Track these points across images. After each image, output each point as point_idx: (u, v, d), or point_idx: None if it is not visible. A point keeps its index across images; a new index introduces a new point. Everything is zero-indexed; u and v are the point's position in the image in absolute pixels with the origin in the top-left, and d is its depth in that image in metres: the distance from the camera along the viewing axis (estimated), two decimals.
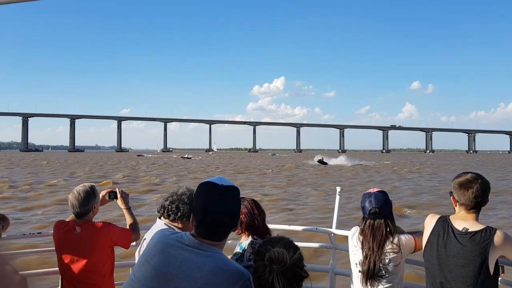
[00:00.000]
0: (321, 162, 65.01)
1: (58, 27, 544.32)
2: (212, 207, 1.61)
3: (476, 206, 2.45)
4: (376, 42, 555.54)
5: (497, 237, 2.33)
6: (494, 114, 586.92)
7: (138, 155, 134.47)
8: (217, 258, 1.58)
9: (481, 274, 2.32)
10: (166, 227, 2.52)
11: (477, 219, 2.47)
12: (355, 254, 2.82)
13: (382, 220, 2.72)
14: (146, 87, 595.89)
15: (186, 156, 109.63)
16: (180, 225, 2.58)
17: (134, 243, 3.20)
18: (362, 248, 2.75)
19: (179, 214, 2.57)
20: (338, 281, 3.65)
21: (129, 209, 3.26)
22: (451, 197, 2.55)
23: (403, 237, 2.72)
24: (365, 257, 2.71)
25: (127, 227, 3.20)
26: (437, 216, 2.60)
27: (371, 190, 2.82)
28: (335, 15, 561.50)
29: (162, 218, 2.63)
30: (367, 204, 2.74)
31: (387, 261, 2.67)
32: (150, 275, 1.58)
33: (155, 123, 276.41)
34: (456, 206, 2.53)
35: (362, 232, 2.79)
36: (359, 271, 2.76)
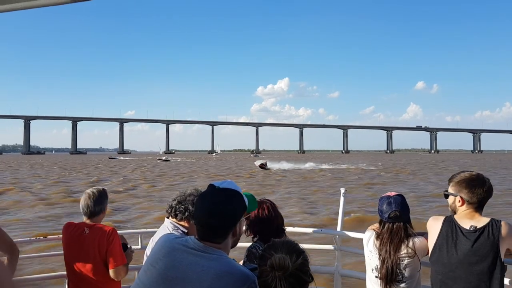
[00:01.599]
0: (262, 166, 54.40)
1: (61, 29, 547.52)
2: (202, 208, 1.64)
3: (483, 204, 2.47)
4: (380, 42, 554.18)
5: (504, 229, 2.35)
6: (499, 114, 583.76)
7: (109, 158, 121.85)
8: (222, 261, 1.57)
9: (496, 267, 2.32)
10: (172, 225, 2.62)
11: (481, 215, 2.47)
12: (371, 259, 2.77)
13: (401, 223, 2.67)
14: (151, 89, 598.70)
15: (164, 158, 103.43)
16: (186, 224, 2.64)
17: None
18: (379, 253, 2.69)
19: (186, 214, 2.63)
20: (343, 282, 3.62)
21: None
22: (457, 197, 2.50)
23: (417, 240, 2.67)
24: (382, 261, 2.67)
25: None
26: (441, 218, 2.56)
27: (389, 193, 2.77)
28: (340, 16, 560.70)
29: (170, 217, 2.70)
30: (385, 207, 2.69)
31: (403, 265, 2.63)
32: (155, 279, 1.58)
33: (160, 125, 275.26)
34: (462, 205, 2.48)
35: (379, 236, 2.74)
36: (376, 277, 2.72)
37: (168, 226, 2.65)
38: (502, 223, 2.37)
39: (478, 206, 2.46)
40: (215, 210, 1.61)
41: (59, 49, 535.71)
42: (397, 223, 2.67)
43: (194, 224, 1.70)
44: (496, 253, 2.32)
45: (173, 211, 2.68)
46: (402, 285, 2.64)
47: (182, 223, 2.66)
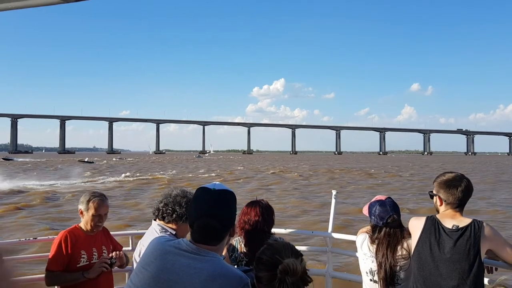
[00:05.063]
0: None
1: (52, 28, 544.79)
2: (201, 211, 1.62)
3: (462, 204, 2.52)
4: (376, 44, 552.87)
5: (486, 230, 2.41)
6: (493, 116, 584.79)
7: (3, 159, 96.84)
8: (215, 263, 1.56)
9: (476, 267, 2.37)
10: (160, 228, 2.57)
11: (462, 215, 2.52)
12: (365, 262, 2.78)
13: (398, 228, 2.69)
14: (147, 90, 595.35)
15: (86, 160, 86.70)
16: (174, 226, 2.60)
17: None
18: (376, 257, 2.69)
19: (174, 215, 2.58)
20: (334, 285, 3.64)
21: (105, 266, 2.99)
22: (436, 197, 2.57)
23: (410, 242, 2.66)
24: (380, 265, 2.66)
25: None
26: (423, 217, 2.60)
27: (381, 198, 2.77)
28: (335, 17, 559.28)
29: (157, 220, 2.65)
30: (381, 212, 2.68)
31: (398, 268, 2.65)
32: (147, 282, 1.57)
33: (154, 124, 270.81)
34: (441, 205, 2.55)
35: (375, 240, 2.73)
36: (370, 280, 2.74)
37: (156, 229, 2.57)
38: (484, 224, 2.43)
39: (457, 206, 2.50)
40: (215, 212, 1.61)
41: (50, 47, 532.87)
42: (395, 227, 2.68)
43: (189, 226, 1.68)
44: (477, 253, 2.37)
45: (160, 213, 2.61)
46: (398, 287, 2.64)
47: (170, 225, 2.60)
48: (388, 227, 2.67)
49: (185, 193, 2.64)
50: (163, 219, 2.61)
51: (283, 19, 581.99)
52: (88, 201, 2.99)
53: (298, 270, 1.58)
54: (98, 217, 3.00)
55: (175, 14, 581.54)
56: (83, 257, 2.97)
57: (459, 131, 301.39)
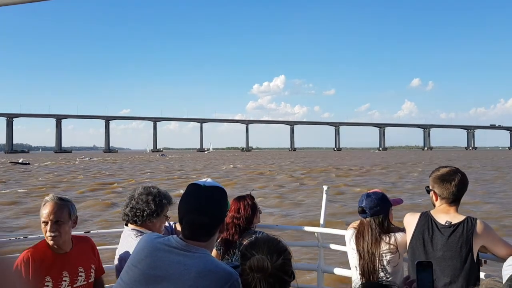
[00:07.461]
0: None
1: (47, 26, 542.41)
2: (190, 207, 1.63)
3: (457, 198, 2.51)
4: (376, 39, 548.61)
5: (479, 227, 2.40)
6: (493, 110, 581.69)
7: None
8: (205, 259, 1.57)
9: (468, 264, 2.37)
10: (135, 232, 2.52)
11: (457, 210, 2.51)
12: (354, 257, 2.80)
13: (369, 219, 2.70)
14: (146, 88, 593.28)
15: (21, 161, 74.41)
16: (148, 226, 2.55)
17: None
18: (357, 249, 2.74)
19: (144, 215, 2.53)
20: (325, 279, 3.68)
21: None
22: (432, 192, 2.57)
23: (399, 235, 2.68)
24: (359, 258, 2.71)
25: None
26: (418, 213, 2.61)
27: (371, 191, 2.83)
28: (336, 13, 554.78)
29: (128, 224, 2.59)
30: (358, 203, 2.78)
31: (385, 262, 2.65)
32: (138, 279, 1.57)
33: (154, 123, 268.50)
34: (437, 200, 2.55)
35: (356, 232, 2.79)
36: (360, 274, 2.75)
37: (130, 235, 2.50)
38: (478, 221, 2.42)
39: (452, 201, 2.49)
40: (205, 208, 1.62)
41: (45, 45, 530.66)
42: (366, 218, 2.71)
43: (179, 223, 1.69)
44: (469, 250, 2.36)
45: (130, 218, 2.55)
46: (385, 282, 2.61)
47: (142, 228, 2.53)
48: (361, 217, 2.75)
49: (147, 189, 2.58)
50: (134, 222, 2.54)
51: (283, 15, 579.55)
52: (41, 207, 2.37)
53: (265, 268, 1.56)
54: (47, 224, 2.31)
55: (173, 12, 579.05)
56: (47, 285, 2.33)
57: (462, 126, 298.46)
